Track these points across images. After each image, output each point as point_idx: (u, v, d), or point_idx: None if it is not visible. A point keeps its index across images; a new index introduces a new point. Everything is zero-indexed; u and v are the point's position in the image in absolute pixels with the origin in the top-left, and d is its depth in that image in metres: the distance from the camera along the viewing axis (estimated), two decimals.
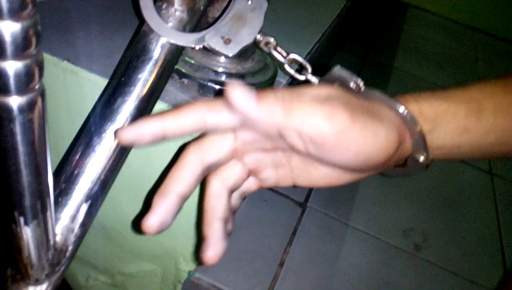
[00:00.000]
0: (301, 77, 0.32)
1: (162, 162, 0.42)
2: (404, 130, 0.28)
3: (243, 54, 0.41)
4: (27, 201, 0.24)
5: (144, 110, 0.31)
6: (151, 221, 0.25)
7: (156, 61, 0.31)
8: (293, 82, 0.49)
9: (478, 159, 0.32)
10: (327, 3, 0.77)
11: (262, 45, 0.33)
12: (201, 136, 0.28)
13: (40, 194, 0.25)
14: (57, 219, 0.29)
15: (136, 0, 0.31)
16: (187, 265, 0.53)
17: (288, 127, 0.25)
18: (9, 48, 0.18)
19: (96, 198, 0.30)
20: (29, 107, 0.21)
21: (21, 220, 0.25)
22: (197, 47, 0.31)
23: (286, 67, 0.33)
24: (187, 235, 0.49)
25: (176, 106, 0.27)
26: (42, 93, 0.21)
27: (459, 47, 1.80)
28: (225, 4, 0.37)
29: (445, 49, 1.72)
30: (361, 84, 0.29)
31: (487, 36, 2.03)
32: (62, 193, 0.29)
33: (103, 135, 0.30)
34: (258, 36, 0.31)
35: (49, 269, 0.29)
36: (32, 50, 0.19)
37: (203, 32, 0.31)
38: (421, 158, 0.28)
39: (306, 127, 0.25)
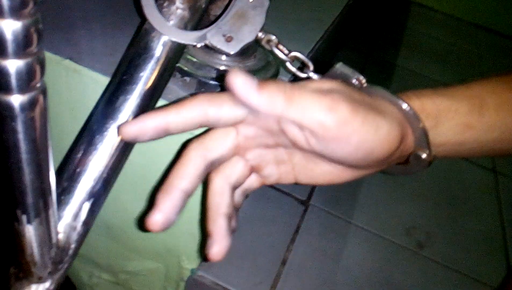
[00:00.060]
0: (303, 75, 0.32)
1: (165, 160, 0.42)
2: (406, 126, 0.28)
3: (245, 52, 0.41)
4: (30, 199, 0.24)
5: (146, 108, 0.31)
6: (156, 218, 0.25)
7: (158, 59, 0.31)
8: (295, 80, 0.49)
9: (481, 156, 0.32)
10: (330, 1, 0.77)
11: (263, 43, 0.33)
12: (204, 133, 0.28)
13: (43, 192, 0.25)
14: (59, 217, 0.29)
15: None
16: (190, 263, 0.54)
17: (289, 117, 0.25)
18: (10, 46, 0.18)
19: (98, 196, 0.30)
20: (30, 106, 0.21)
21: (24, 218, 0.25)
22: (199, 45, 0.31)
23: (288, 65, 0.33)
24: (190, 233, 0.49)
25: (177, 101, 0.27)
26: (43, 91, 0.22)
27: (463, 44, 1.79)
28: (226, 1, 0.37)
29: (448, 47, 1.71)
30: (363, 80, 0.29)
31: (491, 34, 2.02)
32: (65, 191, 0.29)
33: (105, 133, 0.30)
34: (260, 34, 0.31)
35: (52, 267, 0.29)
36: (34, 48, 0.19)
37: (205, 30, 0.31)
38: (424, 155, 0.28)
39: (306, 119, 0.24)
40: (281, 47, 0.33)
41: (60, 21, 0.45)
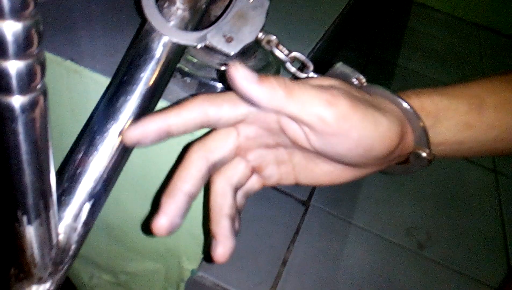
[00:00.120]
0: (303, 75, 0.32)
1: (165, 160, 0.42)
2: (406, 125, 0.28)
3: (245, 52, 0.41)
4: (30, 200, 0.24)
5: (146, 108, 0.31)
6: (161, 222, 0.25)
7: (158, 60, 0.31)
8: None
9: (481, 156, 0.32)
10: (330, 1, 0.77)
11: (264, 43, 0.33)
12: (205, 135, 0.28)
13: (43, 193, 0.25)
14: (60, 218, 0.29)
15: None
16: (190, 263, 0.54)
17: (288, 112, 0.25)
18: (11, 47, 0.18)
19: (99, 197, 0.30)
20: (31, 107, 0.21)
21: (24, 219, 0.25)
22: (199, 46, 0.31)
23: (288, 65, 0.33)
24: (190, 233, 0.49)
25: (177, 102, 0.27)
26: (44, 92, 0.22)
27: (464, 44, 1.79)
28: (227, 2, 0.37)
29: (449, 46, 1.71)
30: (363, 80, 0.29)
31: (492, 33, 2.01)
32: (65, 192, 0.29)
33: (106, 134, 0.30)
34: (260, 34, 0.31)
35: (52, 268, 0.29)
36: (34, 49, 0.19)
37: (205, 31, 0.31)
38: (424, 154, 0.28)
39: (306, 114, 0.24)
40: (281, 47, 0.33)
41: (60, 22, 0.45)
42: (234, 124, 0.27)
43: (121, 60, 0.42)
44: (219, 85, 0.40)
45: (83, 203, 0.30)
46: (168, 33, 0.30)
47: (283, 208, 0.71)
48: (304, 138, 0.26)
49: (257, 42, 0.33)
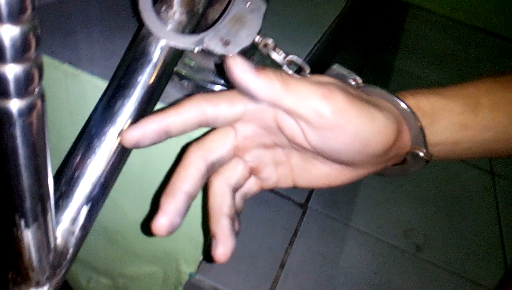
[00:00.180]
0: None
1: (163, 163, 0.42)
2: (403, 123, 0.28)
3: (243, 55, 0.41)
4: (28, 204, 0.24)
5: (144, 112, 0.31)
6: (161, 222, 0.25)
7: (156, 64, 0.31)
8: None
9: (478, 157, 0.32)
10: (327, 3, 0.77)
11: (260, 46, 0.33)
12: (203, 135, 0.28)
13: (41, 197, 0.25)
14: (57, 222, 0.29)
15: (135, 3, 0.31)
16: (188, 267, 0.54)
17: (285, 105, 0.25)
18: (8, 52, 0.18)
19: (96, 200, 0.30)
20: (29, 111, 0.21)
21: (22, 223, 0.25)
22: (196, 50, 0.31)
23: (285, 68, 0.33)
24: (188, 237, 0.49)
25: (174, 103, 0.27)
26: (42, 96, 0.22)
27: (460, 46, 1.80)
28: (224, 5, 0.37)
29: (446, 48, 1.72)
30: (360, 81, 0.29)
31: (488, 35, 2.02)
32: (63, 195, 0.29)
33: (103, 137, 0.30)
34: (257, 38, 0.31)
35: (50, 271, 0.29)
36: (32, 53, 0.19)
37: (202, 34, 0.31)
38: (421, 154, 0.28)
39: (302, 107, 0.25)
40: (278, 50, 0.33)
41: (58, 26, 0.46)
42: (232, 122, 0.27)
43: (119, 64, 0.42)
44: (217, 88, 0.40)
45: (81, 207, 0.30)
46: (165, 36, 0.31)
47: (281, 211, 0.71)
48: (301, 135, 0.26)
49: (254, 45, 0.33)
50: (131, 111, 0.31)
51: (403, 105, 0.28)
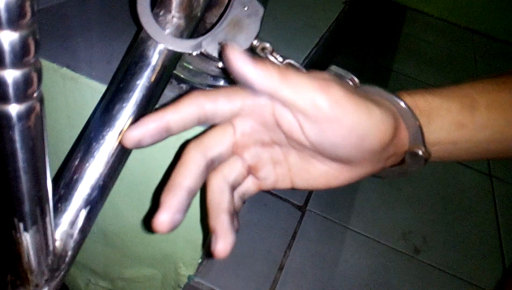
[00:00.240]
0: None
1: (161, 167, 0.43)
2: (400, 121, 0.28)
3: None
4: (27, 207, 0.25)
5: (142, 115, 0.31)
6: (162, 219, 0.25)
7: (154, 67, 0.31)
8: None
9: (476, 159, 0.32)
10: (325, 7, 0.77)
11: (258, 50, 0.33)
12: (201, 133, 0.28)
13: (39, 200, 0.25)
14: (56, 225, 0.29)
15: (134, 7, 0.31)
16: (187, 269, 0.54)
17: (282, 96, 0.25)
18: (7, 57, 0.19)
19: (95, 203, 0.31)
20: (28, 115, 0.21)
21: (21, 226, 0.25)
22: (194, 53, 0.31)
23: None
24: (187, 239, 0.49)
25: (173, 100, 0.27)
26: (41, 100, 0.22)
27: (458, 49, 1.81)
28: (222, 9, 0.38)
29: (443, 51, 1.72)
30: (357, 81, 0.29)
31: (486, 38, 2.03)
32: (62, 199, 0.29)
33: (102, 141, 0.30)
34: (255, 42, 0.31)
35: (49, 274, 0.29)
36: (31, 58, 0.20)
37: (200, 38, 0.31)
38: (420, 152, 0.28)
39: (299, 99, 0.25)
40: (275, 54, 0.34)
41: (57, 30, 0.46)
42: (231, 117, 0.28)
43: (117, 67, 0.42)
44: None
45: (80, 210, 0.30)
46: (163, 40, 0.31)
47: (279, 214, 0.71)
48: (298, 129, 0.26)
49: (251, 49, 0.33)
50: (129, 114, 0.31)
51: (400, 103, 0.28)
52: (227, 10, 0.32)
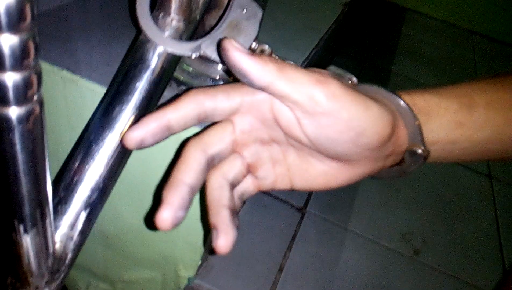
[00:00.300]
0: None
1: (161, 168, 0.43)
2: (399, 118, 0.28)
3: None
4: (27, 210, 0.25)
5: (142, 118, 0.32)
6: (164, 216, 0.24)
7: (153, 70, 0.31)
8: None
9: (476, 159, 0.32)
10: (325, 9, 0.78)
11: (257, 52, 0.33)
12: (201, 131, 0.29)
13: (39, 202, 0.25)
14: (56, 227, 0.29)
15: (133, 10, 0.32)
16: (187, 271, 0.54)
17: (278, 90, 0.25)
18: (8, 60, 0.19)
19: (95, 205, 0.31)
20: (28, 117, 0.21)
21: (21, 228, 0.25)
22: (193, 56, 0.31)
23: None
24: (187, 241, 0.49)
25: (172, 98, 0.27)
26: (40, 103, 0.22)
27: (457, 50, 1.81)
28: (221, 12, 0.38)
29: (443, 53, 1.73)
30: (355, 80, 0.29)
31: (485, 39, 2.03)
32: (62, 201, 0.30)
33: (102, 143, 0.30)
34: (254, 44, 0.31)
35: (49, 276, 0.29)
36: (31, 61, 0.20)
37: (199, 41, 0.32)
38: (419, 150, 0.28)
39: (296, 92, 0.25)
40: (274, 56, 0.34)
41: (57, 32, 0.46)
42: (230, 114, 0.28)
43: (117, 70, 0.42)
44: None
45: (79, 212, 0.30)
46: (163, 43, 0.31)
47: (279, 215, 0.71)
48: (296, 125, 0.26)
49: (250, 51, 0.33)
50: (129, 117, 0.31)
51: (399, 101, 0.28)
52: (226, 13, 0.32)
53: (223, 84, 0.28)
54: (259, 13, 0.31)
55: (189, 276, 0.54)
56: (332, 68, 0.30)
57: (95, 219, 0.32)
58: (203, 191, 0.29)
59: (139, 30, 0.31)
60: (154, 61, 0.31)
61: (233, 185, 0.29)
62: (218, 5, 0.38)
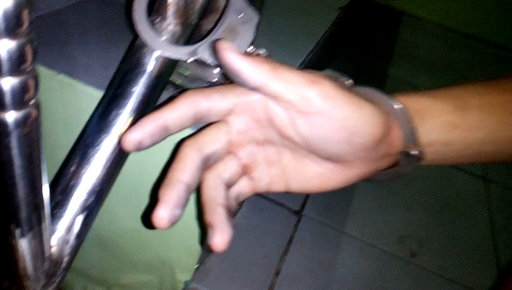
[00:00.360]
0: None
1: (157, 171, 0.43)
2: (393, 120, 0.28)
3: None
4: (23, 214, 0.25)
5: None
6: (161, 214, 0.25)
7: (150, 74, 0.31)
8: None
9: (470, 161, 0.32)
10: (321, 13, 0.78)
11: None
12: (197, 132, 0.29)
13: (36, 206, 0.25)
14: (52, 231, 0.29)
15: (130, 14, 0.32)
16: (184, 275, 0.54)
17: (272, 90, 0.25)
18: (5, 65, 0.19)
19: (91, 209, 0.31)
20: (24, 122, 0.21)
21: (17, 232, 0.25)
22: (190, 60, 0.31)
23: None
24: (183, 245, 0.49)
25: (169, 99, 0.27)
26: (37, 107, 0.22)
27: (453, 53, 1.82)
28: (218, 16, 0.38)
29: (439, 56, 1.74)
30: (350, 82, 0.30)
31: (481, 43, 2.05)
32: (58, 204, 0.30)
33: (98, 147, 0.30)
34: (250, 48, 0.32)
35: (45, 280, 0.29)
36: (28, 66, 0.20)
37: (196, 45, 0.32)
38: (413, 152, 0.28)
39: (289, 92, 0.25)
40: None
41: (55, 36, 0.46)
42: (225, 114, 0.28)
43: (114, 74, 0.42)
44: None
45: (76, 216, 0.30)
46: (159, 47, 0.31)
47: (275, 218, 0.71)
48: (290, 125, 0.26)
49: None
50: (126, 120, 0.31)
51: (393, 102, 0.28)
52: (223, 17, 0.32)
53: (219, 85, 0.28)
54: (255, 17, 0.32)
55: (186, 279, 0.54)
56: (328, 71, 0.30)
57: (92, 223, 0.32)
58: (198, 192, 0.29)
59: (136, 35, 0.32)
60: (150, 65, 0.31)
61: (228, 185, 0.29)
62: (215, 10, 0.38)
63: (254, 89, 0.26)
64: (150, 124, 0.26)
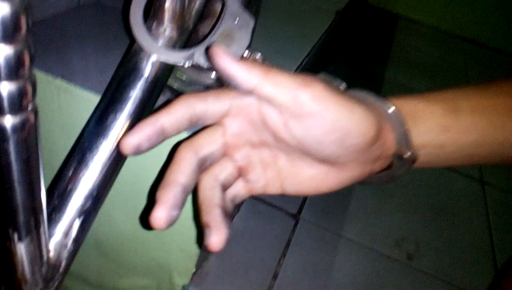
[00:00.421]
0: None
1: (153, 174, 0.43)
2: (385, 121, 0.28)
3: None
4: (21, 218, 0.25)
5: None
6: (159, 215, 0.25)
7: (147, 79, 0.31)
8: None
9: (464, 164, 0.32)
10: (317, 17, 0.78)
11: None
12: (192, 135, 0.29)
13: (34, 210, 0.25)
14: (50, 235, 0.29)
15: (127, 19, 0.32)
16: (181, 279, 0.54)
17: (264, 93, 0.26)
18: (2, 70, 0.19)
19: (89, 213, 0.31)
20: (22, 126, 0.21)
21: (15, 236, 0.25)
22: (186, 64, 0.32)
23: None
24: (181, 249, 0.49)
25: (165, 103, 0.28)
26: (35, 112, 0.22)
27: (449, 57, 1.83)
28: (214, 21, 0.38)
29: (435, 59, 1.74)
30: (344, 86, 0.30)
31: (477, 46, 2.06)
32: (56, 209, 0.30)
33: (96, 151, 0.31)
34: (246, 53, 0.32)
35: (43, 284, 0.29)
36: (26, 71, 0.20)
37: (192, 50, 0.32)
38: (406, 154, 0.29)
39: (281, 95, 0.25)
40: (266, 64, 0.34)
41: (52, 41, 0.46)
42: (220, 117, 0.28)
43: (111, 78, 0.42)
44: None
45: (73, 220, 0.30)
46: (156, 52, 0.31)
47: (273, 222, 0.71)
48: (283, 127, 0.27)
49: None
50: (123, 125, 0.31)
51: (386, 105, 0.29)
52: (219, 22, 0.33)
53: (214, 89, 0.28)
54: (251, 22, 0.32)
55: (184, 283, 0.54)
56: (321, 75, 0.31)
57: (89, 227, 0.32)
58: (195, 195, 0.29)
59: (133, 39, 0.32)
60: (147, 69, 0.32)
61: (224, 187, 0.29)
62: (211, 15, 0.39)
63: (247, 92, 0.27)
64: (147, 127, 0.26)
